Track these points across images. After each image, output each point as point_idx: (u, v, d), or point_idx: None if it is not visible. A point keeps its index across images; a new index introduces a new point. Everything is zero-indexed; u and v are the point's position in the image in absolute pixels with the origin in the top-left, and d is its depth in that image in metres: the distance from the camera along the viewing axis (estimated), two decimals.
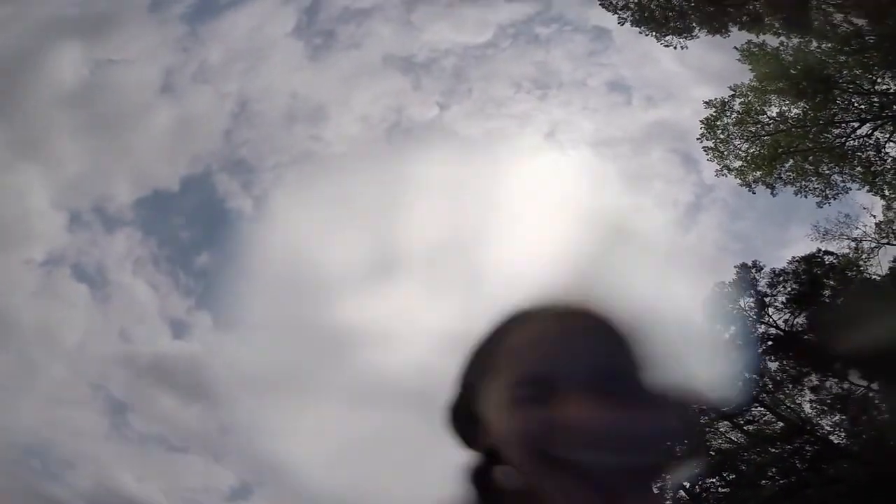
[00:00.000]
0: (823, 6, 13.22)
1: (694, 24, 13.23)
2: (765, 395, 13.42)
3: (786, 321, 14.16)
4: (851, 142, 13.92)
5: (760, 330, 14.15)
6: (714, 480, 12.24)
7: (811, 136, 13.82)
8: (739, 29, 13.50)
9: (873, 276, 13.95)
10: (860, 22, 13.42)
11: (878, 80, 13.82)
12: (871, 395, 13.32)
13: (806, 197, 13.75)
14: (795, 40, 13.71)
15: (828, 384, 13.47)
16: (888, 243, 13.95)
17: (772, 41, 13.73)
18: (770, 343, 14.19)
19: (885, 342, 12.95)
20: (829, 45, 13.82)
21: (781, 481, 12.10)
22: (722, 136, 13.80)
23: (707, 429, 12.99)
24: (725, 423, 13.44)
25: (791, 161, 13.75)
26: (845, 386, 13.43)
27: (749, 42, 13.61)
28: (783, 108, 13.82)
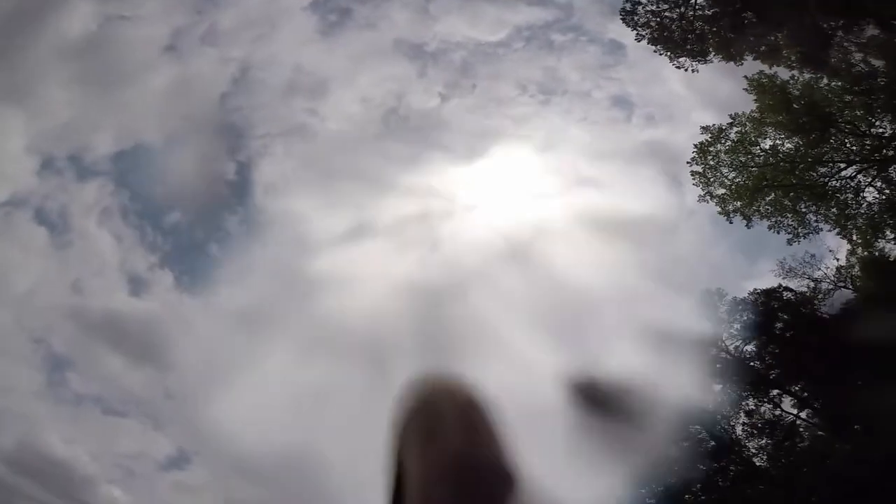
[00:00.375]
0: (846, 44, 12.82)
1: (710, 49, 12.66)
2: (704, 414, 14.26)
3: (736, 347, 14.83)
4: (834, 182, 14.00)
5: (712, 353, 14.77)
6: (643, 491, 13.23)
7: (797, 173, 13.81)
8: (754, 58, 13.03)
9: (824, 315, 14.57)
10: (877, 63, 13.11)
11: (877, 122, 13.73)
12: (797, 423, 14.36)
13: (778, 233, 13.97)
14: (807, 75, 13.35)
15: (762, 409, 14.40)
16: (844, 286, 14.48)
17: (783, 74, 13.34)
18: (718, 366, 14.88)
19: (822, 375, 13.84)
20: (839, 83, 13.52)
21: (703, 498, 13.18)
22: (712, 163, 13.64)
23: (648, 442, 13.82)
24: (664, 437, 14.30)
25: (772, 195, 13.80)
26: (777, 413, 14.40)
27: (760, 72, 13.19)
28: (777, 141, 13.68)
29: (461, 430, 1.05)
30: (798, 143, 13.67)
